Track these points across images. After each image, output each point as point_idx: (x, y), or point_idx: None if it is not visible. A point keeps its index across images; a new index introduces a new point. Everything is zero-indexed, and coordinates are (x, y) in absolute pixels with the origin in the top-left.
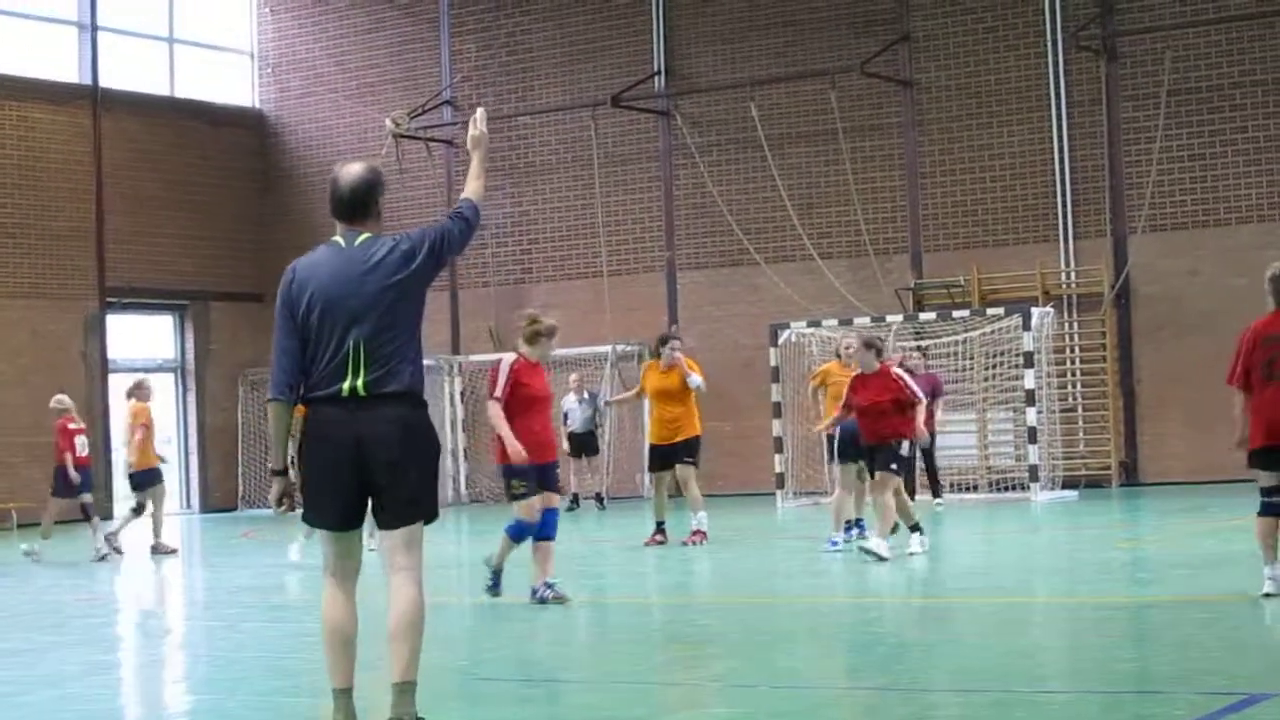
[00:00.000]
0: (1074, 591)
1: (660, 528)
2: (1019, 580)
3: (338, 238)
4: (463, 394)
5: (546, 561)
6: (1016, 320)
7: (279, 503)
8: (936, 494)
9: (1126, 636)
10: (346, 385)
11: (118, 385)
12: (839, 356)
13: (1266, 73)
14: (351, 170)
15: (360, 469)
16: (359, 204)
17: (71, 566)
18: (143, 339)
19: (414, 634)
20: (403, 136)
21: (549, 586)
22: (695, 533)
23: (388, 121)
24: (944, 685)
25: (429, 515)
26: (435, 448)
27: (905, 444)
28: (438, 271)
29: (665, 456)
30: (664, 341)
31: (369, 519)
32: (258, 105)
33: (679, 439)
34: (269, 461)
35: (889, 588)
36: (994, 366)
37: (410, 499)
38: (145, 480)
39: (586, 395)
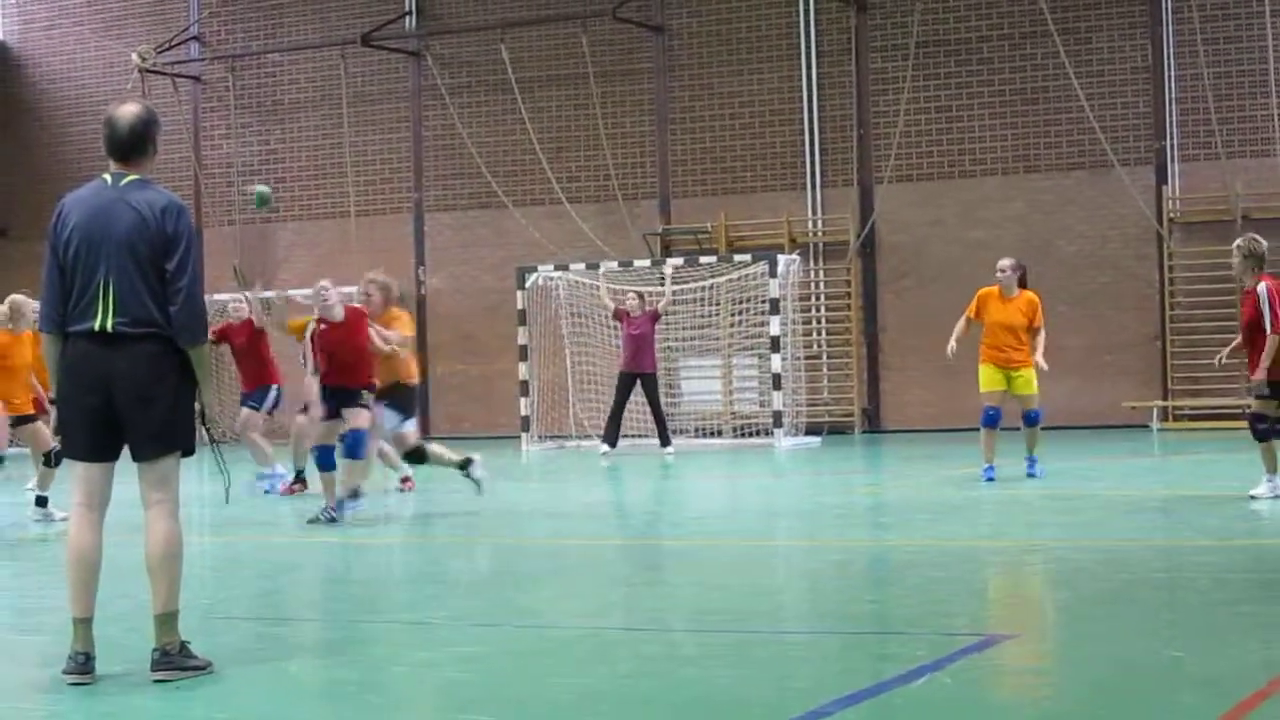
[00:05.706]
0: (816, 535)
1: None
2: (761, 524)
3: (106, 175)
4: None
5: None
6: (763, 267)
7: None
8: (665, 443)
9: (868, 579)
10: (97, 323)
11: None
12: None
13: (1013, 27)
14: (126, 109)
15: (109, 403)
16: (129, 144)
17: None
18: None
19: (171, 566)
20: (149, 72)
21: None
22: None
23: (134, 56)
24: (686, 626)
25: (182, 449)
26: (185, 383)
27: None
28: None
29: None
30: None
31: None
32: (1, 37)
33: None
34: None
35: (629, 530)
36: (740, 313)
37: (159, 432)
38: None
39: None
